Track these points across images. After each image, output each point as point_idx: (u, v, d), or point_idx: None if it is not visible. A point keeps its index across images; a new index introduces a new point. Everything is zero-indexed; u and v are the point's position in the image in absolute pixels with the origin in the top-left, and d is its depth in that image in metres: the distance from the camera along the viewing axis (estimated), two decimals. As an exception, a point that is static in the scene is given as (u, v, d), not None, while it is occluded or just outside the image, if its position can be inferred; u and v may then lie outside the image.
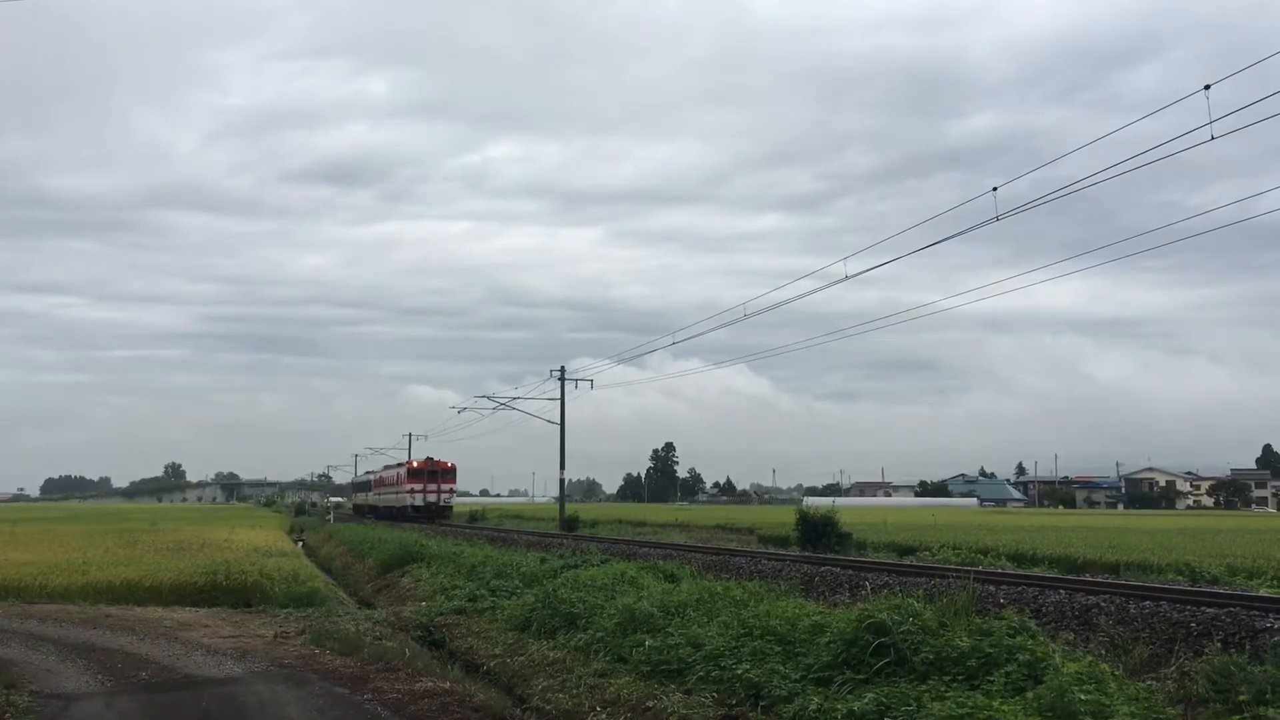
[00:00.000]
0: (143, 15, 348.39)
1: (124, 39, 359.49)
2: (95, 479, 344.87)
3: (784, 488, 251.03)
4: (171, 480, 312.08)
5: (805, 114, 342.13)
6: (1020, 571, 24.64)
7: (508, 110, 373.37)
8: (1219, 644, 12.24)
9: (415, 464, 79.58)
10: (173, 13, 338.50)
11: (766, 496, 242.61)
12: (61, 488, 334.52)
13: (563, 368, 59.12)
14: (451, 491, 79.61)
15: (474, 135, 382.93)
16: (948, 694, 11.15)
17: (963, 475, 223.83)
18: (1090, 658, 11.93)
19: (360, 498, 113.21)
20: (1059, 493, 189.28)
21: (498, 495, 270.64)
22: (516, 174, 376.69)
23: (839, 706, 11.75)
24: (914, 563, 28.04)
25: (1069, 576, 23.16)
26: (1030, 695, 10.50)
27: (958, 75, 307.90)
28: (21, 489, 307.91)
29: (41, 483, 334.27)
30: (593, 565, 28.10)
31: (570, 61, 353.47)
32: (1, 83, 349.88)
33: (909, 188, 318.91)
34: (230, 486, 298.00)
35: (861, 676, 12.65)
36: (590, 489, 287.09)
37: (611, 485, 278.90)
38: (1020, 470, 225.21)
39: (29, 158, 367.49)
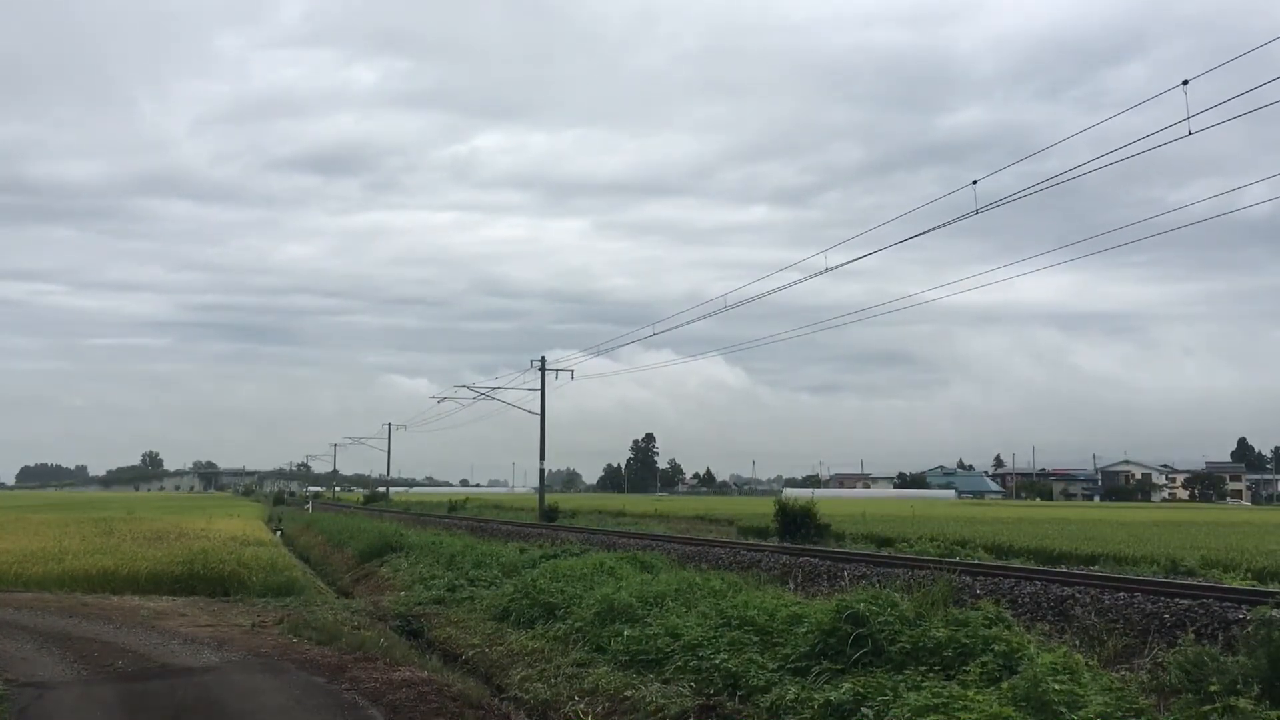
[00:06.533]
0: (132, 1, 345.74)
1: (112, 25, 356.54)
2: (72, 467, 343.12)
3: (763, 479, 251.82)
4: (149, 469, 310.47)
5: (793, 107, 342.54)
6: (997, 563, 24.79)
7: (496, 101, 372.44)
8: (1192, 635, 12.34)
9: None
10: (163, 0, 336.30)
11: (746, 488, 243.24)
12: (38, 476, 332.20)
13: (543, 358, 58.89)
14: None
15: (462, 126, 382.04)
16: (924, 684, 11.23)
17: (941, 467, 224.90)
18: (1065, 648, 12.02)
19: None
20: (1036, 485, 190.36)
21: (477, 485, 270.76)
22: (504, 165, 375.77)
23: (816, 696, 11.81)
24: (892, 554, 28.15)
25: (1045, 568, 23.30)
26: (1005, 685, 10.57)
27: (946, 70, 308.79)
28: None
29: (17, 470, 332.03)
30: (572, 555, 28.13)
31: (560, 53, 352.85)
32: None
33: (896, 181, 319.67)
34: (208, 475, 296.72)
35: (839, 666, 12.73)
36: (570, 479, 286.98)
37: (591, 476, 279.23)
38: (998, 463, 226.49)
39: (11, 143, 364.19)
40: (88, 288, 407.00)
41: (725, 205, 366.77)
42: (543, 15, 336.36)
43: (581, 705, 14.15)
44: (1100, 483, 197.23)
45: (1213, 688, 9.95)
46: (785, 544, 30.94)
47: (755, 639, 14.68)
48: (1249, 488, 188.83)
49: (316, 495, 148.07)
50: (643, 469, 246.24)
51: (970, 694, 10.47)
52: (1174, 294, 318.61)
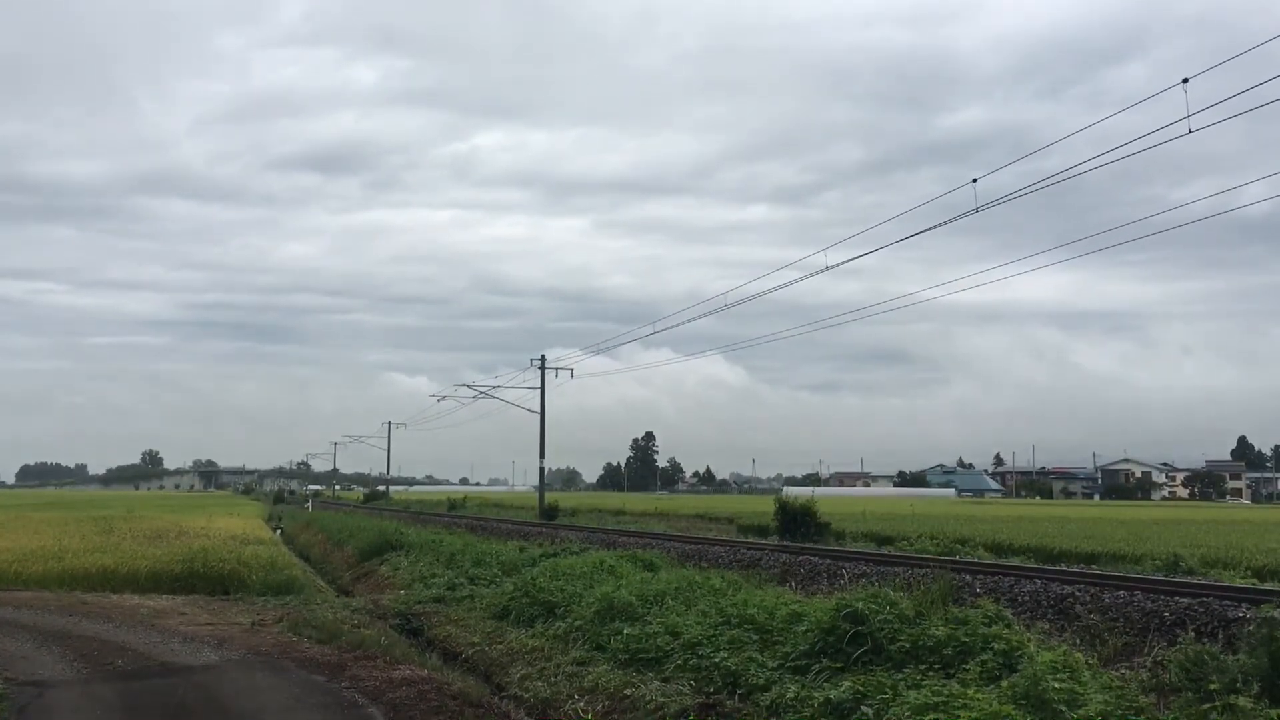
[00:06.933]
0: (133, 1, 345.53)
1: (112, 24, 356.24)
2: (72, 466, 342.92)
3: (763, 477, 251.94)
4: (149, 468, 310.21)
5: (793, 107, 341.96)
6: (997, 561, 24.79)
7: (497, 100, 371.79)
8: (1192, 633, 12.36)
9: None
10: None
11: (746, 486, 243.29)
12: (38, 474, 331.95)
13: (543, 356, 58.98)
14: None
15: (462, 124, 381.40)
16: (923, 682, 11.24)
17: (941, 466, 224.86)
18: (1064, 647, 12.03)
19: None
20: (1036, 483, 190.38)
21: (478, 484, 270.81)
22: (504, 163, 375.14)
23: (816, 695, 11.81)
24: (892, 552, 28.16)
25: (1045, 566, 23.31)
26: (1005, 684, 10.58)
27: (946, 70, 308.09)
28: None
29: (17, 469, 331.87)
30: (572, 554, 28.13)
31: (560, 52, 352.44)
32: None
33: (896, 181, 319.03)
34: (208, 474, 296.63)
35: (838, 665, 12.73)
36: (570, 478, 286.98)
37: (591, 474, 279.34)
38: (998, 461, 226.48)
39: (11, 142, 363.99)
40: (88, 287, 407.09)
41: (725, 204, 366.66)
42: (543, 14, 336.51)
43: (581, 703, 14.15)
44: (1100, 481, 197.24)
45: (1213, 686, 9.96)
46: (785, 542, 30.95)
47: (755, 637, 14.68)
48: (1249, 486, 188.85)
49: (316, 494, 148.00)
50: (643, 467, 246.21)
51: (970, 692, 10.47)
52: (1174, 292, 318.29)
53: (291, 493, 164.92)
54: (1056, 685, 10.04)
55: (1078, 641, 13.49)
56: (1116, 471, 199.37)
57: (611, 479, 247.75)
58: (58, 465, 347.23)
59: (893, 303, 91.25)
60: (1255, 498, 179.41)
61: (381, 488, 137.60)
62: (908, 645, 12.67)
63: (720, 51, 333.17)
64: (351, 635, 18.78)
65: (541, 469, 60.36)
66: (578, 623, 18.54)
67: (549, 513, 56.72)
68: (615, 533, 37.88)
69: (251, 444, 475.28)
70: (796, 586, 20.80)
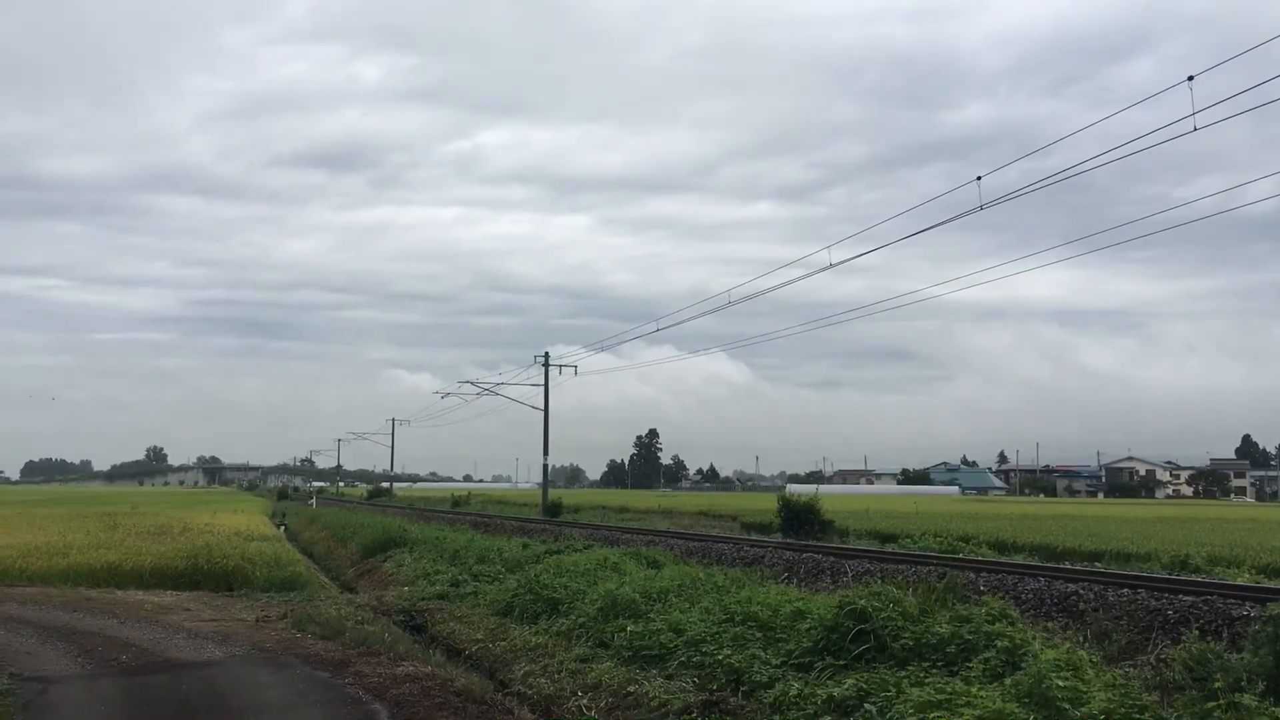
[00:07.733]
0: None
1: (118, 21, 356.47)
2: (76, 462, 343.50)
3: (767, 475, 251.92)
4: (153, 464, 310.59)
5: (796, 104, 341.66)
6: (1000, 559, 24.77)
7: (501, 97, 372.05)
8: (1196, 631, 12.35)
9: None
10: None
11: (750, 483, 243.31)
12: (42, 470, 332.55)
13: (546, 353, 58.99)
14: None
15: (466, 121, 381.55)
16: (927, 680, 11.23)
17: (945, 464, 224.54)
18: (1068, 645, 12.02)
19: None
20: (1040, 481, 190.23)
21: (481, 481, 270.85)
22: (508, 161, 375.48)
23: (819, 692, 11.81)
24: (895, 550, 28.15)
25: (1049, 564, 23.30)
26: (1008, 681, 10.57)
27: (950, 67, 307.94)
28: (1, 471, 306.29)
29: (21, 465, 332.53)
30: (575, 551, 28.16)
31: (564, 50, 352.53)
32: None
33: (900, 178, 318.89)
34: (212, 470, 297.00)
35: (842, 662, 12.73)
36: (574, 475, 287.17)
37: (595, 471, 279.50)
38: (1002, 459, 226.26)
39: (17, 138, 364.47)
40: (92, 283, 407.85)
41: (729, 201, 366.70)
42: (547, 11, 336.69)
43: (585, 700, 14.15)
44: (1104, 479, 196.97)
45: (1217, 684, 9.94)
46: (788, 540, 30.94)
47: (758, 635, 14.69)
48: (1253, 484, 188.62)
49: (320, 491, 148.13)
50: (646, 465, 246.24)
51: (973, 690, 10.46)
52: (1178, 290, 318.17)
53: (295, 489, 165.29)
54: (1060, 683, 10.03)
55: (1082, 639, 13.49)
56: (1120, 469, 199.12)
57: (615, 476, 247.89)
58: (62, 461, 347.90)
59: (896, 300, 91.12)
60: (1260, 496, 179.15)
61: (385, 484, 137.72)
62: (911, 643, 12.67)
63: (723, 49, 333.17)
64: (355, 632, 18.79)
65: (545, 466, 60.37)
66: (581, 620, 18.56)
67: (552, 510, 56.72)
68: (619, 530, 37.90)
69: (255, 441, 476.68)
70: (800, 584, 20.81)
